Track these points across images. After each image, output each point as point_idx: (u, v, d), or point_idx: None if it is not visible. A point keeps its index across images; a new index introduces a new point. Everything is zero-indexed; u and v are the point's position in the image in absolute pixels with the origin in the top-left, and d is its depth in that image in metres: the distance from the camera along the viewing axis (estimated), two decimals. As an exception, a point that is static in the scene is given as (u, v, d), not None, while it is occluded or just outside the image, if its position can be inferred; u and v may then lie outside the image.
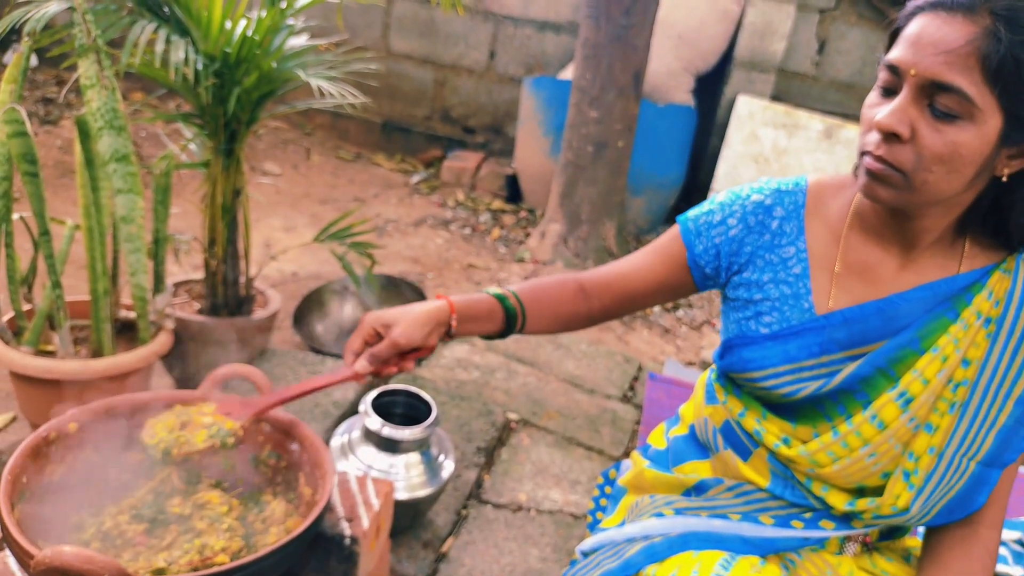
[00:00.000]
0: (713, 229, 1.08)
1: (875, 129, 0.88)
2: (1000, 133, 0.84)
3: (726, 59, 4.22)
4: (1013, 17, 0.80)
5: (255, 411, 0.91)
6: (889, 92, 0.88)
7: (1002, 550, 1.34)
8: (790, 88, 4.29)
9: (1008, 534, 1.40)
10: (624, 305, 1.16)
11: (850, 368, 0.98)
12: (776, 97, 4.23)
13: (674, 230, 1.13)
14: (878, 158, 0.88)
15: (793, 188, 1.07)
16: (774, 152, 3.92)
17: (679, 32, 4.06)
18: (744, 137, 3.96)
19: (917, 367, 0.96)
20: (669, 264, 1.12)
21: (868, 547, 1.10)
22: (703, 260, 1.09)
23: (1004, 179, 0.89)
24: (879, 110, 0.88)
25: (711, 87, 4.29)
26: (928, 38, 0.83)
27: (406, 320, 1.01)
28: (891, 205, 0.92)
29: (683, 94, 4.11)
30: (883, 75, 0.89)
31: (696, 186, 4.34)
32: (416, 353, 1.04)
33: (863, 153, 0.90)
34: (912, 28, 0.86)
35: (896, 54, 0.87)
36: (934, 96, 0.83)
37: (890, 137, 0.86)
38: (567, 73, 4.14)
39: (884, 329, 0.98)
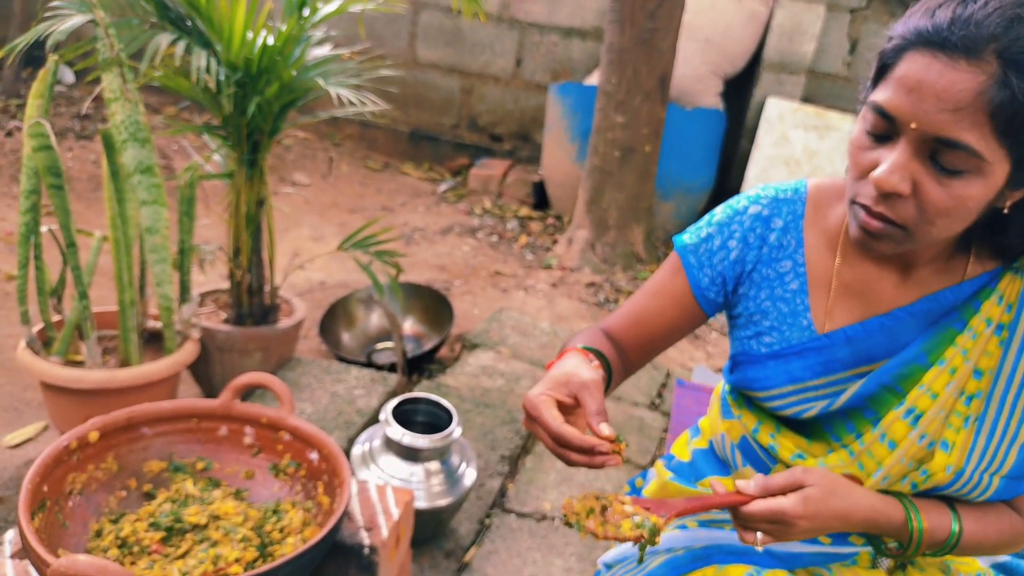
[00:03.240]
0: (715, 256, 1.01)
1: (872, 185, 0.80)
2: (1007, 178, 0.78)
3: (755, 61, 4.17)
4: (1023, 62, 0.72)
5: (674, 513, 0.88)
6: (881, 138, 0.81)
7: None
8: (821, 89, 4.22)
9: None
10: (647, 354, 1.07)
11: (855, 387, 0.93)
12: (807, 98, 4.16)
13: (673, 262, 1.05)
14: (878, 215, 0.81)
15: (792, 196, 1.00)
16: (805, 154, 3.86)
17: (706, 35, 4.02)
18: (774, 140, 3.89)
19: (923, 382, 0.90)
20: (678, 303, 1.04)
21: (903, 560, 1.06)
22: (710, 292, 1.02)
23: (1005, 211, 0.83)
24: (874, 160, 0.81)
25: (740, 90, 4.23)
26: (929, 88, 0.74)
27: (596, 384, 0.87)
28: (890, 254, 0.87)
29: (711, 97, 4.06)
30: (872, 118, 0.80)
31: (726, 190, 4.29)
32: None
33: (856, 203, 0.83)
34: (906, 70, 0.77)
35: (889, 99, 0.78)
36: (938, 151, 0.76)
37: (890, 194, 0.80)
38: (593, 79, 4.12)
39: (889, 346, 0.93)
